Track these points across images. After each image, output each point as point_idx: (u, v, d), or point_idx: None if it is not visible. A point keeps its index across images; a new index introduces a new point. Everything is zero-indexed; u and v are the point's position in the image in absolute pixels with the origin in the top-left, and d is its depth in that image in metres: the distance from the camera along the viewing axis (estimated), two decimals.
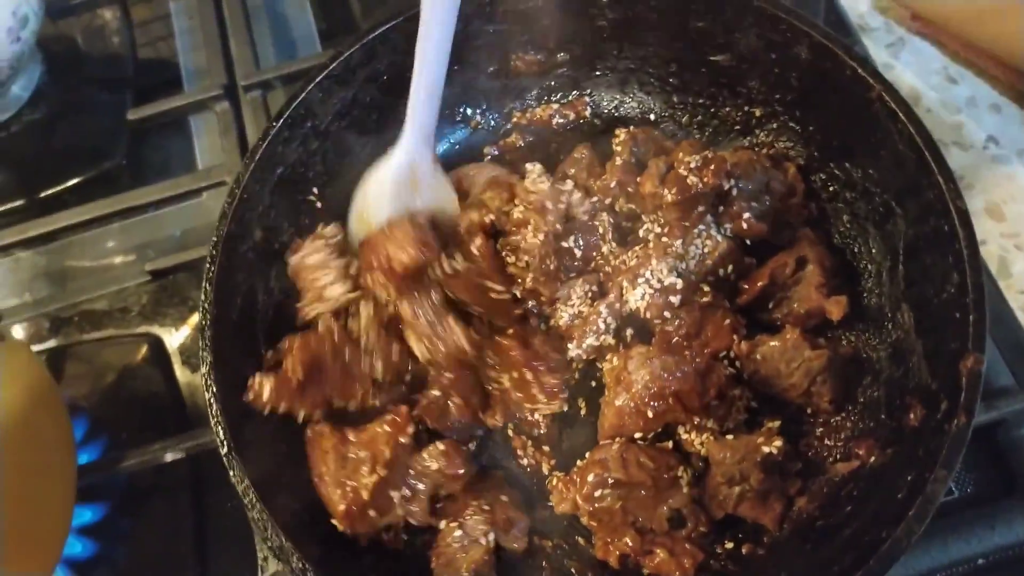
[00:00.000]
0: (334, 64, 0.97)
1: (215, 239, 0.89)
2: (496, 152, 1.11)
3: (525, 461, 0.93)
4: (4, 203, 1.29)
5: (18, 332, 1.18)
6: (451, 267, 0.93)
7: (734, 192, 0.92)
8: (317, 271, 0.94)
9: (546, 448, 0.93)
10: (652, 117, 1.09)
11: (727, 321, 0.90)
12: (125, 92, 1.38)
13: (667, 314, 0.91)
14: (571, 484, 0.86)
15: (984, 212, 1.11)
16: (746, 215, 0.92)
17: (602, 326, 0.92)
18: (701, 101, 1.06)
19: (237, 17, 1.34)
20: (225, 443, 0.80)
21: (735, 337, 0.90)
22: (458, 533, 0.86)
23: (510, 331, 0.93)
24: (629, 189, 0.98)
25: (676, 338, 0.89)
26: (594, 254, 0.96)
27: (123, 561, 1.01)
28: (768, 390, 0.89)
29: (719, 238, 0.92)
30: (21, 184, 1.32)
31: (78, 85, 1.40)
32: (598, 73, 1.09)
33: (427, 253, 0.91)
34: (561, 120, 1.11)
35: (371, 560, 0.86)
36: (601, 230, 0.96)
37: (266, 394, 0.85)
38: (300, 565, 0.75)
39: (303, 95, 0.96)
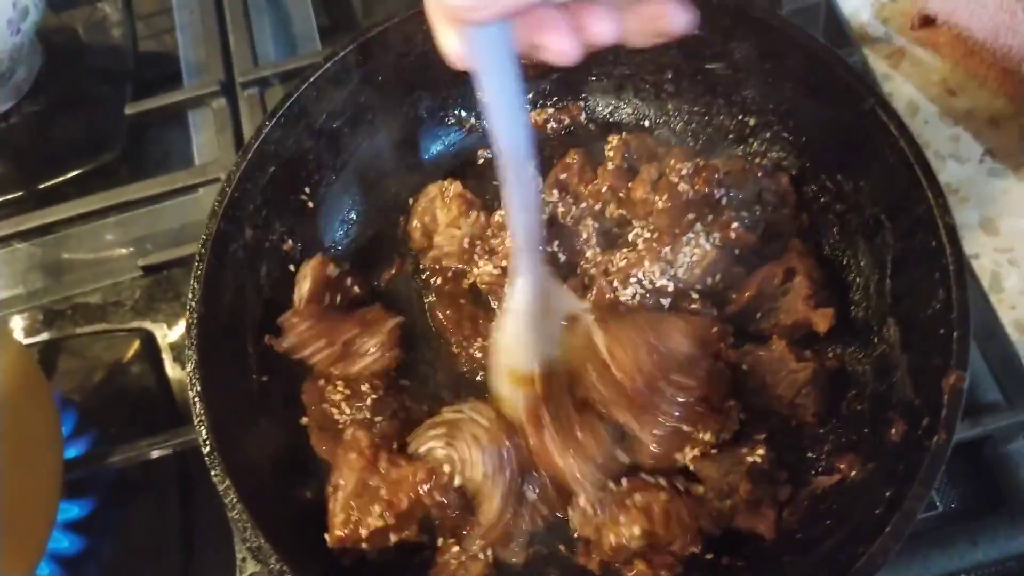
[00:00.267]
0: (329, 64, 0.98)
1: (204, 237, 0.89)
2: (490, 155, 1.10)
3: None
4: (2, 194, 1.29)
5: (12, 324, 1.19)
6: None
7: (724, 201, 0.92)
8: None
9: None
10: (646, 124, 1.09)
11: (715, 329, 0.90)
12: (125, 85, 1.38)
13: None
14: (608, 523, 0.83)
15: (978, 226, 1.11)
16: (735, 225, 0.92)
17: None
18: (696, 109, 1.06)
19: (237, 13, 1.34)
20: (208, 442, 0.80)
21: (723, 346, 0.90)
22: (455, 549, 0.85)
23: None
24: (620, 194, 0.98)
25: None
26: (578, 259, 0.96)
27: (109, 556, 1.02)
28: (753, 401, 0.89)
29: (708, 247, 0.92)
30: (20, 175, 1.32)
31: (78, 77, 1.40)
32: (594, 78, 1.09)
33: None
34: (555, 125, 1.11)
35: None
36: (585, 235, 0.96)
37: None
38: (278, 567, 0.75)
39: (297, 94, 0.96)
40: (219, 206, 0.90)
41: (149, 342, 1.15)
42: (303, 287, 0.96)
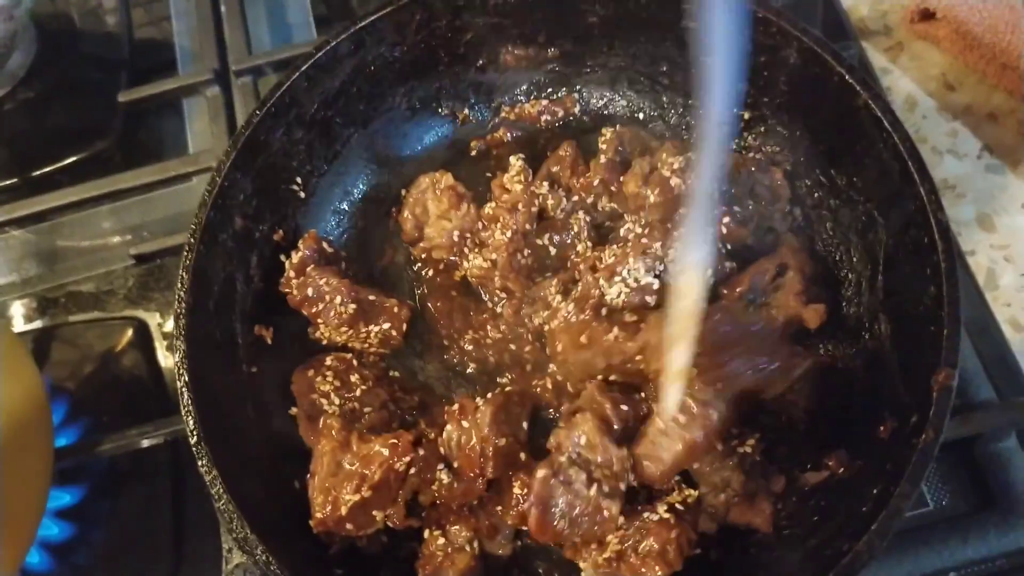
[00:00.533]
0: (320, 53, 0.97)
1: (193, 226, 0.89)
2: (483, 147, 1.10)
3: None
4: None
5: (5, 311, 1.19)
6: None
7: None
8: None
9: None
10: (641, 116, 1.09)
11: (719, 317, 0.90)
12: (120, 73, 1.37)
13: None
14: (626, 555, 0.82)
15: (975, 222, 1.10)
16: (727, 219, 0.91)
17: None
18: (690, 102, 1.05)
19: (232, 1, 1.33)
20: (195, 432, 0.80)
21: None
22: (441, 541, 0.86)
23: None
24: (612, 188, 0.97)
25: None
26: (569, 252, 0.96)
27: (99, 544, 1.02)
28: (745, 396, 0.88)
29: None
30: (14, 163, 1.32)
31: (73, 65, 1.39)
32: (588, 70, 1.09)
33: None
34: (549, 117, 1.10)
35: (347, 567, 0.86)
36: (576, 229, 0.96)
37: None
38: (264, 557, 0.75)
39: (288, 83, 0.96)
40: (208, 195, 0.90)
41: (142, 331, 1.15)
42: (295, 257, 0.96)
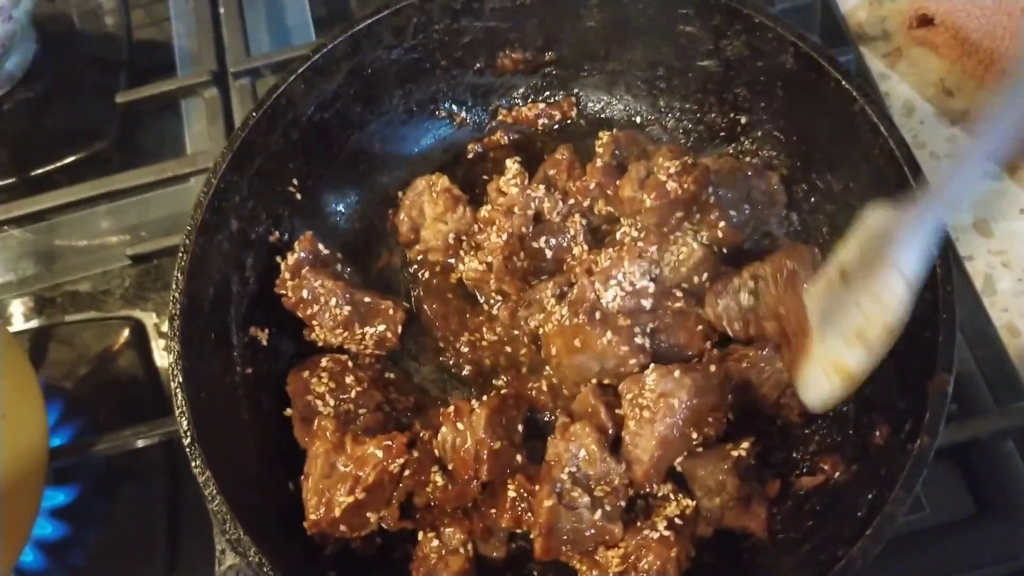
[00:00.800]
0: (318, 55, 0.97)
1: (189, 228, 0.89)
2: (480, 149, 1.10)
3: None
4: None
5: (2, 310, 1.19)
6: None
7: (712, 200, 0.92)
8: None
9: None
10: (638, 120, 1.09)
11: (699, 328, 0.90)
12: (119, 73, 1.37)
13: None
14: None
15: (973, 228, 1.10)
16: (722, 224, 0.91)
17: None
18: (687, 106, 1.05)
19: (231, 2, 1.34)
20: (188, 433, 0.80)
21: (708, 344, 0.90)
22: (436, 543, 0.85)
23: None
24: (608, 192, 0.97)
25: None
26: (565, 256, 0.96)
27: (94, 544, 1.02)
28: (739, 400, 0.89)
29: (695, 245, 0.92)
30: (12, 162, 1.32)
31: (72, 65, 1.39)
32: (585, 74, 1.09)
33: None
34: (546, 120, 1.10)
35: (340, 569, 0.86)
36: (572, 232, 0.96)
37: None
38: (257, 559, 0.75)
39: (285, 86, 0.96)
40: (204, 197, 0.90)
41: (138, 331, 1.15)
42: (291, 258, 0.96)
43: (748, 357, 0.88)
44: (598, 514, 0.81)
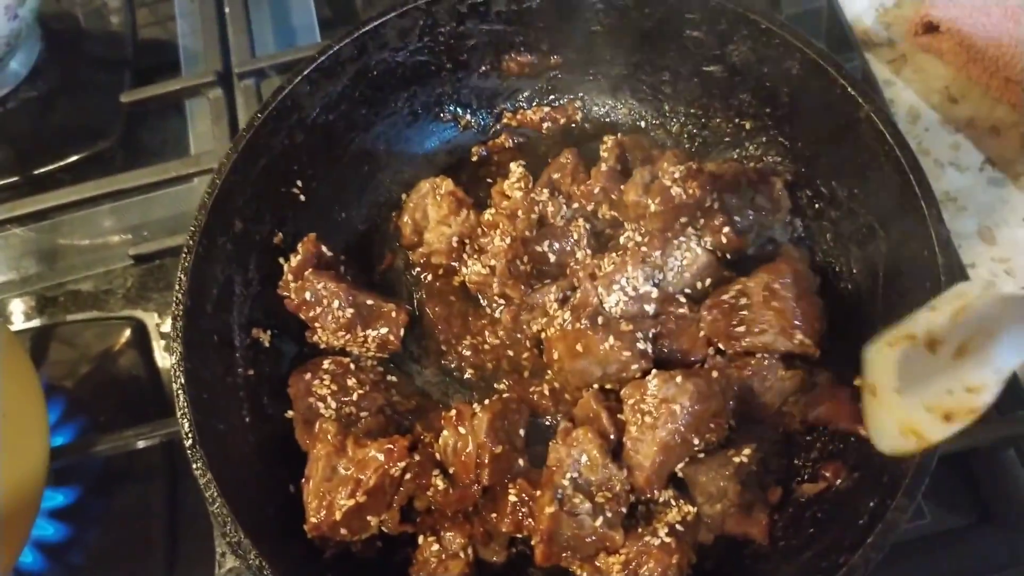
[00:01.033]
0: (323, 57, 0.97)
1: (193, 229, 0.88)
2: (484, 152, 1.10)
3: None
4: None
5: (4, 309, 1.18)
6: None
7: (717, 205, 0.92)
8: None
9: None
10: (643, 125, 1.09)
11: (702, 333, 0.90)
12: (124, 73, 1.38)
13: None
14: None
15: (976, 235, 1.10)
16: (726, 229, 0.91)
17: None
18: (692, 111, 1.05)
19: (236, 3, 1.34)
20: (190, 435, 0.80)
21: (710, 350, 0.90)
22: (436, 547, 0.85)
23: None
24: (613, 196, 0.97)
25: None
26: (568, 260, 0.96)
27: (93, 545, 1.02)
28: (740, 407, 0.88)
29: (698, 250, 0.92)
30: (16, 161, 1.32)
31: (77, 64, 1.40)
32: (591, 78, 1.09)
33: None
34: (551, 123, 1.10)
35: (340, 572, 0.86)
36: (576, 236, 0.96)
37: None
38: (257, 562, 0.75)
39: (290, 87, 0.96)
40: (209, 198, 0.90)
41: (140, 331, 1.15)
42: (294, 260, 0.96)
43: (751, 364, 0.88)
44: (599, 521, 0.80)
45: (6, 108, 1.35)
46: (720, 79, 1.00)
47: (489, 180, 1.06)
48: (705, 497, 0.84)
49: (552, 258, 0.96)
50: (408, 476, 0.85)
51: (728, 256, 0.94)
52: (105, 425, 1.05)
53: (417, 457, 0.86)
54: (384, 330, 0.96)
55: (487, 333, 0.98)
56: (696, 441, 0.83)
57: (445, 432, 0.88)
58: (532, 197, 0.97)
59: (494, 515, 0.86)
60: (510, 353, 0.96)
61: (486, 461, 0.85)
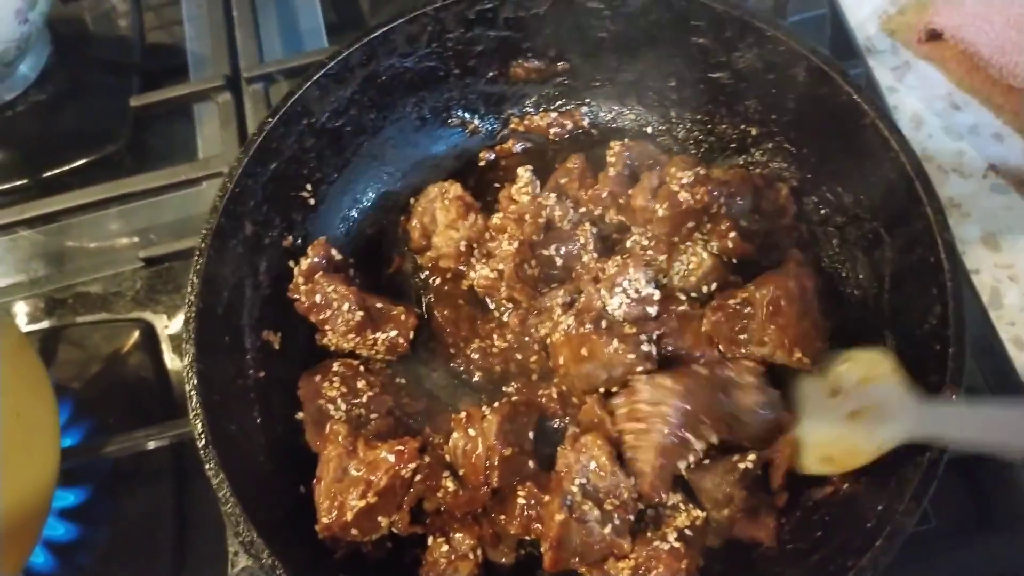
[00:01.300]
0: (333, 63, 0.98)
1: (205, 232, 0.89)
2: (492, 157, 1.11)
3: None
4: (7, 182, 1.30)
5: (13, 311, 1.19)
6: None
7: (723, 210, 0.92)
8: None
9: None
10: (649, 130, 1.10)
11: (705, 329, 0.90)
12: (131, 76, 1.39)
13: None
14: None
15: (980, 241, 1.11)
16: (732, 234, 0.92)
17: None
18: (698, 117, 1.06)
19: (244, 7, 1.35)
20: (203, 436, 0.80)
21: (712, 348, 0.90)
22: (445, 548, 0.86)
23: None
24: (620, 201, 0.98)
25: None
26: (575, 263, 0.96)
27: (102, 545, 1.02)
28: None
29: (704, 255, 0.92)
30: (25, 163, 1.33)
31: (85, 67, 1.41)
32: (597, 84, 1.09)
33: None
34: (558, 129, 1.11)
35: (351, 572, 0.86)
36: (583, 240, 0.96)
37: None
38: (270, 562, 0.75)
39: (300, 92, 0.97)
40: (220, 201, 0.90)
41: (148, 333, 1.16)
42: (304, 263, 0.97)
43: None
44: (608, 528, 0.81)
45: (15, 111, 1.36)
46: (726, 86, 1.01)
47: (496, 184, 1.07)
48: (712, 503, 0.85)
49: (559, 262, 0.96)
50: (418, 478, 0.86)
51: (734, 260, 0.94)
52: (114, 426, 1.05)
53: (427, 459, 0.87)
54: (393, 333, 0.97)
55: (495, 336, 0.98)
56: (694, 440, 0.84)
57: (455, 434, 0.88)
58: (539, 201, 0.98)
59: (503, 517, 0.87)
60: (518, 356, 0.97)
61: (496, 463, 0.85)
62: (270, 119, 0.95)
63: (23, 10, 1.21)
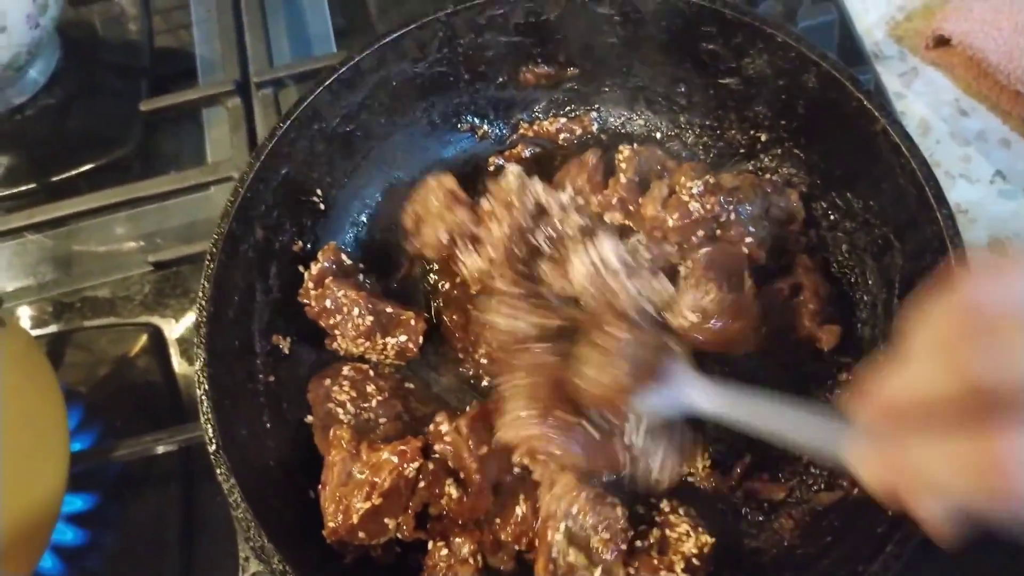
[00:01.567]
0: (344, 68, 0.98)
1: (216, 237, 0.89)
2: (501, 162, 1.11)
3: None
4: (16, 186, 1.30)
5: (21, 315, 1.19)
6: None
7: (733, 217, 0.93)
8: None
9: None
10: (658, 136, 1.10)
11: None
12: (141, 80, 1.39)
13: None
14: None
15: (987, 247, 1.11)
16: (749, 240, 0.92)
17: None
18: (708, 123, 1.06)
19: (254, 11, 1.35)
20: (214, 440, 0.80)
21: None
22: (444, 552, 0.86)
23: None
24: (630, 207, 0.98)
25: None
26: (560, 248, 0.96)
27: (111, 550, 1.02)
28: None
29: None
30: (33, 168, 1.33)
31: (94, 71, 1.41)
32: (607, 89, 1.10)
33: None
34: (567, 134, 1.11)
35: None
36: (571, 231, 0.96)
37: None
38: (281, 567, 0.75)
39: (312, 97, 0.97)
40: (231, 206, 0.91)
41: (157, 337, 1.16)
42: (314, 268, 0.97)
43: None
44: (598, 571, 0.81)
45: (24, 115, 1.36)
46: (736, 91, 1.01)
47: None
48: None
49: (547, 248, 0.96)
50: (422, 484, 0.86)
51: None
52: (122, 430, 1.05)
53: (431, 466, 0.87)
54: (403, 338, 0.97)
55: None
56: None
57: (436, 445, 0.89)
58: (527, 188, 0.98)
59: (498, 520, 0.87)
60: None
61: (476, 465, 0.86)
62: (281, 124, 0.95)
63: (34, 15, 1.21)
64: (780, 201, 0.96)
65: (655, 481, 0.84)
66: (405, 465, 0.85)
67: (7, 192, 1.30)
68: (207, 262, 0.88)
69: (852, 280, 0.94)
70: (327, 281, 0.96)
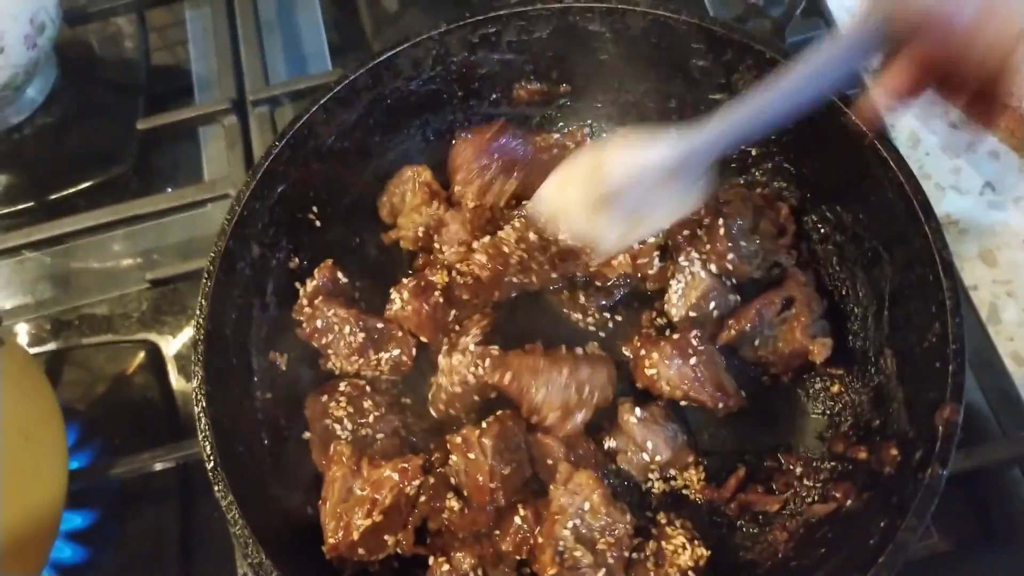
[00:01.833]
0: (339, 87, 0.99)
1: (213, 255, 0.90)
2: None
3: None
4: (15, 204, 1.31)
5: (19, 332, 1.20)
6: None
7: (722, 231, 0.94)
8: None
9: None
10: None
11: None
12: (138, 98, 1.40)
13: None
14: None
15: (977, 257, 1.12)
16: (731, 256, 0.93)
17: None
18: None
19: (249, 29, 1.36)
20: (212, 458, 0.81)
21: None
22: (446, 568, 0.86)
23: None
24: None
25: None
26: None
27: (110, 566, 1.03)
28: None
29: (703, 274, 0.93)
30: (31, 186, 1.34)
31: (91, 90, 1.42)
32: (599, 105, 1.11)
33: None
34: (559, 150, 1.11)
35: None
36: None
37: None
38: None
39: (307, 116, 0.98)
40: (228, 224, 0.91)
41: (154, 354, 1.17)
42: (309, 286, 0.98)
43: None
44: (601, 572, 0.82)
45: (22, 134, 1.37)
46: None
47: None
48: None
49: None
50: (423, 498, 0.87)
51: (734, 281, 0.96)
52: (120, 448, 1.06)
53: (432, 480, 0.88)
54: (396, 351, 0.98)
55: None
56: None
57: (453, 457, 0.89)
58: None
59: (497, 533, 0.88)
60: None
61: (498, 485, 0.86)
62: (277, 143, 0.96)
63: (32, 36, 1.22)
64: (771, 215, 0.97)
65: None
66: (406, 483, 0.86)
67: (5, 211, 1.30)
68: (204, 280, 0.89)
69: (843, 293, 0.95)
70: (317, 301, 0.97)
